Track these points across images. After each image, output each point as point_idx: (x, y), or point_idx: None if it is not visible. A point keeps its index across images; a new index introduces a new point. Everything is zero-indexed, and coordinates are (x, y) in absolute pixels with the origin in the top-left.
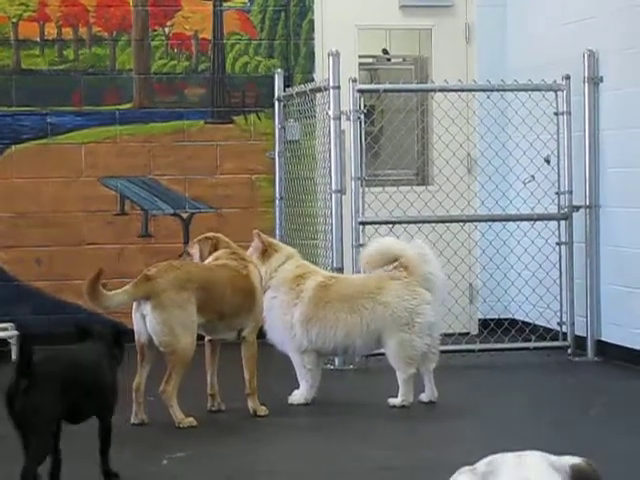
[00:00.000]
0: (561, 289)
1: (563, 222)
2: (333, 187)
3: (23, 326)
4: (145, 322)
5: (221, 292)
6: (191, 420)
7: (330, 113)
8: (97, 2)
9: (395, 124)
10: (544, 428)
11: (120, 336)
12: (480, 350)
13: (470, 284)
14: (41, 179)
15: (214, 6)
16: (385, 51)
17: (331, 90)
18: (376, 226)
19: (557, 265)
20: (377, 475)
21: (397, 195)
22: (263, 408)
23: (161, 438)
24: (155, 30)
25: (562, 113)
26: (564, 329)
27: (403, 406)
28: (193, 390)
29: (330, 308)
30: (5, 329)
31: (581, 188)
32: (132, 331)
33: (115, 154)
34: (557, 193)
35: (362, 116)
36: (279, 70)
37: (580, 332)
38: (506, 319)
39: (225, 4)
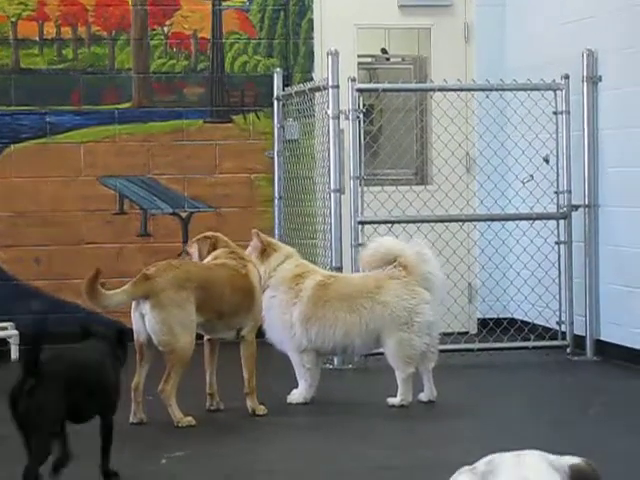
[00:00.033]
0: (560, 288)
1: (562, 221)
2: (332, 186)
3: (34, 325)
4: (144, 321)
5: (220, 291)
6: (190, 419)
7: (329, 112)
8: (96, 1)
9: (394, 123)
10: (543, 427)
11: (123, 336)
12: (479, 349)
13: (469, 283)
14: (40, 178)
15: (213, 5)
16: (384, 50)
17: (330, 89)
18: (375, 225)
19: (556, 264)
20: (376, 474)
21: (396, 194)
22: (262, 407)
23: (160, 437)
24: (154, 29)
25: (561, 112)
26: (563, 328)
27: (402, 405)
28: (192, 389)
29: (329, 307)
30: (4, 328)
31: (580, 187)
32: (131, 330)
33: (114, 153)
34: (556, 192)
35: (361, 115)
36: (278, 69)
37: (579, 331)
38: (505, 318)
39: (224, 3)
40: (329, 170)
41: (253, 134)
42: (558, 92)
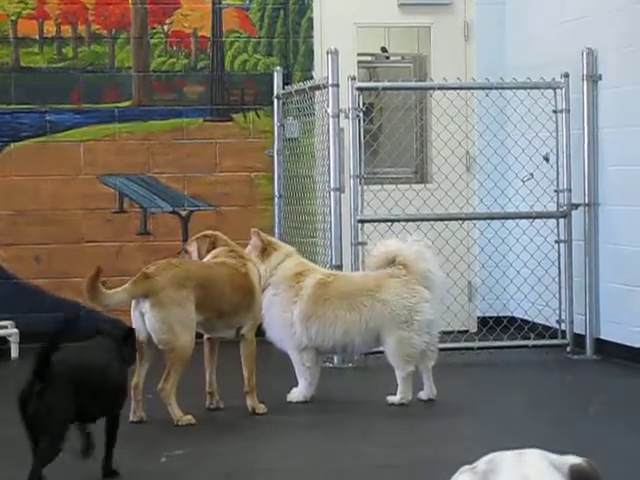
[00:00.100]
0: (560, 287)
1: (562, 220)
2: (332, 185)
3: (56, 325)
4: (144, 320)
5: (220, 290)
6: (190, 418)
7: (329, 111)
8: (96, 0)
9: (394, 122)
10: (543, 426)
11: (131, 334)
12: (479, 348)
13: (469, 282)
14: (40, 177)
15: (213, 4)
16: (384, 49)
17: (330, 88)
18: (375, 224)
19: (556, 263)
20: (376, 473)
21: (396, 193)
22: (262, 406)
23: (160, 436)
24: (154, 28)
25: (561, 111)
26: (563, 327)
27: (402, 404)
28: (192, 388)
29: (329, 306)
30: (5, 327)
31: (580, 186)
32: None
33: (114, 152)
34: (556, 191)
35: (361, 114)
36: (278, 68)
37: (579, 330)
38: (505, 317)
39: (224, 2)
40: (329, 169)
41: (253, 133)
42: (558, 91)
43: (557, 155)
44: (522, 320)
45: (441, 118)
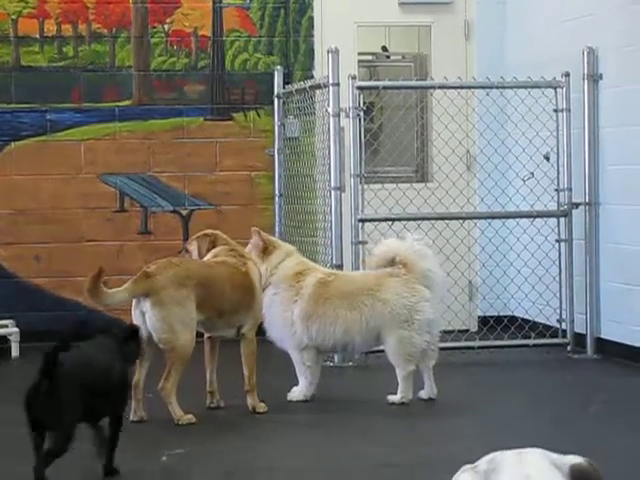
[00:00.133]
0: (560, 286)
1: (562, 219)
2: (332, 184)
3: (72, 325)
4: (144, 319)
5: (220, 289)
6: (190, 417)
7: (329, 110)
8: None
9: (394, 121)
10: (544, 425)
11: (136, 333)
12: (479, 347)
13: (469, 281)
14: (40, 176)
15: (213, 3)
16: (384, 48)
17: (330, 87)
18: (375, 223)
19: (556, 262)
20: (376, 472)
21: (396, 192)
22: (262, 405)
23: (160, 435)
24: (154, 27)
25: (561, 110)
26: (563, 326)
27: (402, 403)
28: (192, 387)
29: (330, 305)
30: (5, 326)
31: (580, 185)
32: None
33: (114, 151)
34: (556, 190)
35: (361, 113)
36: (278, 67)
37: (580, 329)
38: (505, 316)
39: (225, 1)
40: (329, 168)
41: (253, 132)
42: (559, 90)
43: (558, 154)
44: (523, 319)
45: (442, 117)
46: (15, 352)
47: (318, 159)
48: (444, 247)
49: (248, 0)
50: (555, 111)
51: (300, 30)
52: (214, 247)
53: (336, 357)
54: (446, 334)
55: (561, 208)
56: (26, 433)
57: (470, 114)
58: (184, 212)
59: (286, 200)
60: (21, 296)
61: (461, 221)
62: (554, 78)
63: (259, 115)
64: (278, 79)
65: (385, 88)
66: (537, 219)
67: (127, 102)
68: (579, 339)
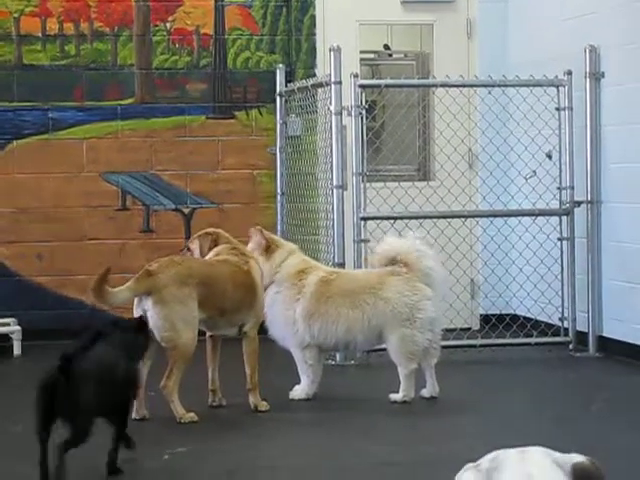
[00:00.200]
0: (563, 285)
1: (565, 217)
2: (334, 182)
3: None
4: (146, 317)
5: (222, 288)
6: (192, 415)
7: (332, 108)
8: None
9: (396, 119)
10: (545, 424)
11: (144, 326)
12: (482, 345)
13: (472, 279)
14: (42, 174)
15: (215, 1)
16: (386, 46)
17: (333, 85)
18: (377, 221)
19: (559, 260)
20: (378, 470)
21: (398, 190)
22: (264, 403)
23: (162, 433)
24: (157, 25)
25: (564, 108)
26: (565, 325)
27: (404, 401)
28: (194, 385)
29: (332, 303)
30: (7, 324)
31: (583, 183)
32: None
33: (117, 149)
34: (559, 188)
35: (364, 111)
36: (281, 65)
37: (581, 328)
38: (508, 314)
39: None
40: (331, 166)
41: (255, 130)
42: (561, 88)
43: (560, 153)
44: (525, 318)
45: (444, 115)
46: (17, 350)
47: (320, 157)
48: (446, 245)
49: None
50: (557, 109)
51: (302, 28)
52: (216, 245)
53: (338, 355)
54: (448, 332)
55: (563, 206)
56: (26, 432)
57: (472, 112)
58: (186, 210)
59: (288, 198)
60: (23, 294)
61: (463, 219)
62: (556, 76)
63: (261, 113)
64: (280, 77)
65: (387, 86)
66: (539, 217)
67: (129, 100)
68: (581, 337)
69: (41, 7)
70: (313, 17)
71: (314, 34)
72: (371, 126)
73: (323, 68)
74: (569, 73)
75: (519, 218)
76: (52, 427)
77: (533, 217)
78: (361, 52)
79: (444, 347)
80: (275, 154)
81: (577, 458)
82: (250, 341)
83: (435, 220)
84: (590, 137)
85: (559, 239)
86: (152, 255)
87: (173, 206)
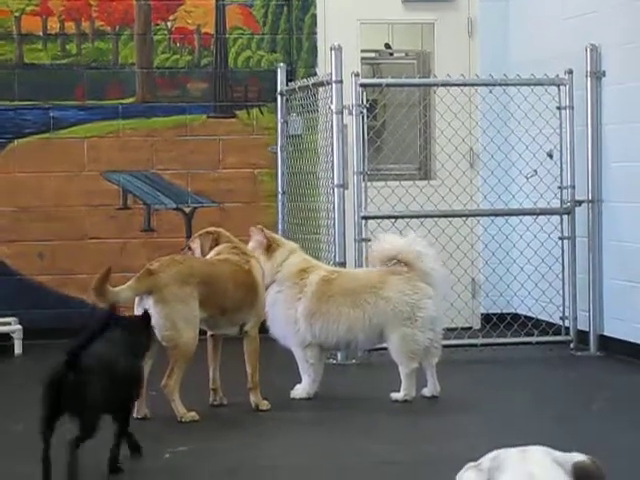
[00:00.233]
0: (564, 284)
1: (566, 216)
2: (335, 181)
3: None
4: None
5: (223, 287)
6: (193, 414)
7: (332, 107)
8: None
9: (397, 118)
10: (546, 423)
11: (149, 322)
12: (483, 345)
13: (473, 279)
14: (43, 173)
15: (216, 0)
16: (387, 45)
17: (333, 84)
18: (378, 220)
19: (560, 260)
20: (379, 470)
21: (399, 189)
22: (265, 402)
23: (163, 432)
24: (158, 24)
25: (565, 107)
26: (567, 324)
27: (405, 400)
28: (195, 384)
29: (333, 302)
30: (8, 323)
31: (584, 182)
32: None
33: (118, 148)
34: (560, 187)
35: (364, 110)
36: (281, 64)
37: (583, 327)
38: (509, 314)
39: None
40: (332, 165)
41: (256, 129)
42: (562, 87)
43: (561, 152)
44: (526, 317)
45: (445, 114)
46: (18, 350)
47: (321, 156)
48: (447, 245)
49: None
50: (558, 108)
51: (303, 27)
52: (217, 245)
53: (339, 355)
54: (449, 331)
55: (564, 205)
56: (27, 431)
57: (473, 111)
58: (187, 210)
59: (289, 198)
60: (24, 293)
61: (464, 218)
62: (557, 75)
63: (262, 112)
64: (281, 76)
65: (388, 85)
66: (540, 216)
67: (130, 99)
68: (582, 336)
69: (42, 6)
70: (314, 16)
71: (315, 33)
72: (372, 125)
73: (324, 67)
74: (570, 72)
75: (520, 217)
76: (56, 424)
77: (534, 216)
78: (362, 51)
79: (445, 346)
80: (276, 153)
81: (578, 457)
82: (251, 340)
83: (436, 219)
84: (591, 136)
85: (560, 238)
86: (153, 254)
87: (174, 205)
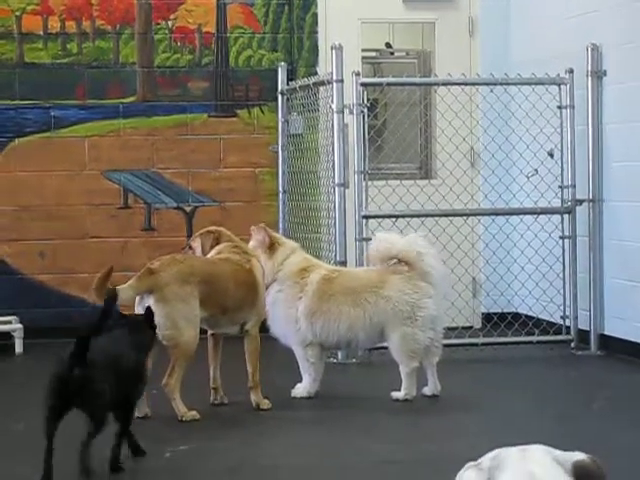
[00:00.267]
0: (564, 283)
1: (566, 216)
2: (336, 181)
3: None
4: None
5: (224, 286)
6: (194, 413)
7: (333, 106)
8: None
9: (398, 118)
10: (547, 422)
11: (152, 319)
12: (483, 344)
13: (473, 278)
14: (44, 172)
15: None
16: (388, 45)
17: (334, 83)
18: (379, 220)
19: (560, 259)
20: (380, 469)
21: (400, 189)
22: (266, 401)
23: (164, 431)
24: (158, 23)
25: (565, 107)
26: (567, 323)
27: (406, 400)
28: (196, 384)
29: (334, 301)
30: (9, 322)
31: (584, 182)
32: None
33: (118, 147)
34: (560, 187)
35: (365, 110)
36: (282, 63)
37: (583, 326)
38: (509, 313)
39: None
40: (333, 164)
41: (257, 128)
42: (562, 86)
43: (561, 151)
44: (526, 316)
45: (445, 114)
46: (19, 348)
47: (322, 156)
48: (448, 244)
49: None
50: (559, 108)
51: (304, 27)
52: (218, 244)
53: (340, 354)
54: (450, 331)
55: (565, 205)
56: (28, 430)
57: (474, 111)
58: (188, 209)
59: (290, 197)
60: (25, 292)
61: (465, 218)
62: (558, 75)
63: (263, 112)
64: (282, 76)
65: (389, 85)
66: (541, 216)
67: (131, 99)
68: (583, 336)
69: (43, 5)
70: (315, 15)
71: (316, 32)
72: (373, 124)
73: (325, 66)
74: (571, 71)
75: (521, 216)
76: (60, 421)
77: (535, 215)
78: (363, 50)
79: (446, 345)
80: (277, 152)
81: (578, 456)
82: (252, 339)
83: (437, 218)
84: (592, 135)
85: (561, 237)
86: (154, 253)
87: (175, 204)
